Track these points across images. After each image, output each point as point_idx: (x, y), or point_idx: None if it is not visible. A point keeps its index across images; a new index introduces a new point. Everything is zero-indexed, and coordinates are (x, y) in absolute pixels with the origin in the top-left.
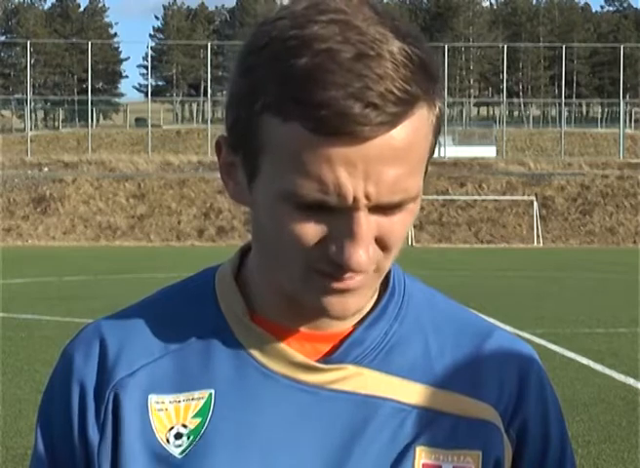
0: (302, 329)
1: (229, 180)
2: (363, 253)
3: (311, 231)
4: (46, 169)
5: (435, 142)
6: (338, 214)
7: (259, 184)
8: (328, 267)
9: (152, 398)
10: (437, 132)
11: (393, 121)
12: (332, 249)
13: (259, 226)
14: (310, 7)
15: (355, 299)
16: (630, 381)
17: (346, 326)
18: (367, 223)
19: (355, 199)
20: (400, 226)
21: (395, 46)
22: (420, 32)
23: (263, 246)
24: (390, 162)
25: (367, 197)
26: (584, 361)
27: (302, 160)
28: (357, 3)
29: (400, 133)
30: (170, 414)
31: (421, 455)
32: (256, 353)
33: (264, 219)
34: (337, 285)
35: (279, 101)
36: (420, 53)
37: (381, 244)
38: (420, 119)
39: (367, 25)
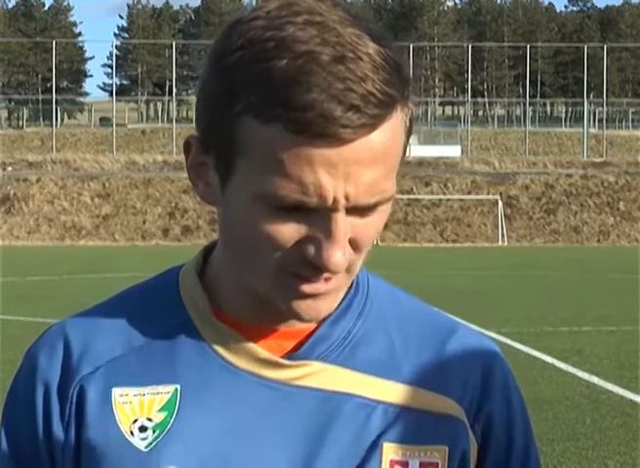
0: (268, 326)
1: (199, 181)
2: (340, 255)
3: (288, 232)
4: (10, 168)
5: (407, 143)
6: (315, 216)
7: (233, 185)
8: (303, 269)
9: (116, 391)
10: (409, 133)
11: (374, 123)
12: (309, 250)
13: (229, 227)
14: (283, 7)
15: (327, 303)
16: (594, 380)
17: (311, 322)
18: (344, 225)
19: (335, 200)
20: (373, 228)
21: (372, 48)
22: (389, 34)
23: (233, 247)
24: (369, 164)
25: (346, 198)
26: (549, 359)
27: (283, 162)
28: (329, 4)
29: (379, 135)
30: (134, 407)
31: (389, 451)
32: (220, 350)
33: (237, 221)
34: (307, 289)
35: (260, 103)
36: (393, 55)
37: (354, 245)
38: (397, 121)
39: (342, 27)
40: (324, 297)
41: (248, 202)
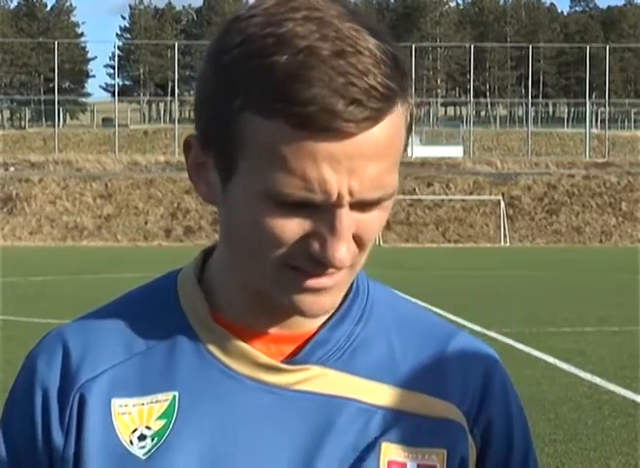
0: (267, 330)
1: (200, 181)
2: (345, 250)
3: (292, 228)
4: (12, 168)
5: (408, 139)
6: (319, 211)
7: (234, 183)
8: (307, 264)
9: (115, 402)
10: (409, 129)
11: (376, 117)
12: (313, 245)
13: (231, 226)
14: (281, 3)
15: (330, 298)
16: (596, 380)
17: (311, 326)
18: (348, 220)
19: (339, 195)
20: (376, 223)
21: (371, 42)
22: (387, 30)
23: (236, 245)
24: (372, 158)
25: (350, 193)
26: (551, 360)
27: (286, 158)
28: (326, 0)
29: (381, 129)
30: (133, 417)
31: (387, 453)
32: (219, 354)
33: (240, 218)
34: (311, 283)
35: (261, 99)
36: (392, 49)
37: (358, 240)
38: (398, 115)
39: (341, 22)
40: (327, 292)
41: (251, 199)
